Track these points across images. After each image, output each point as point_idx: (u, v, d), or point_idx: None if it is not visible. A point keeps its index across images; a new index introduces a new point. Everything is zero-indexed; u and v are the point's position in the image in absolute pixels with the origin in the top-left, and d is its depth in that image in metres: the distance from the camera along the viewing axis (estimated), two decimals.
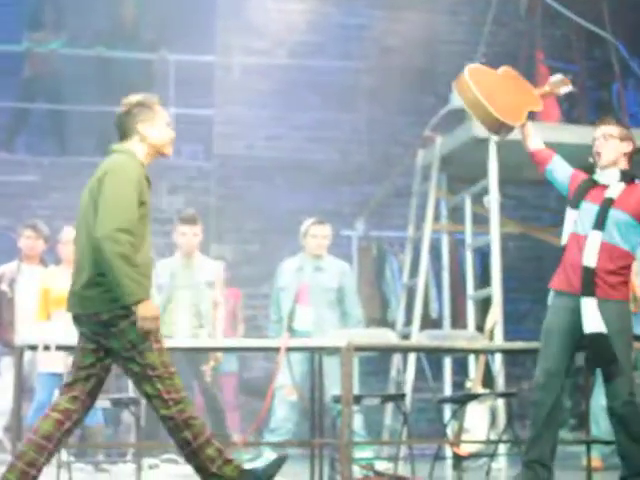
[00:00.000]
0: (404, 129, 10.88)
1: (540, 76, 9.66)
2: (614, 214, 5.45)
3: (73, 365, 4.68)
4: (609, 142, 5.56)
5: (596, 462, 7.23)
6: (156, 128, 4.74)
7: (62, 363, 6.46)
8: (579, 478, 6.55)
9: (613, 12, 10.01)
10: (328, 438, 6.39)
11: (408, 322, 9.11)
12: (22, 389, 6.03)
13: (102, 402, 6.53)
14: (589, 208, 5.51)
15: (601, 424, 7.30)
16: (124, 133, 4.75)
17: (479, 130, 8.57)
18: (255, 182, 10.71)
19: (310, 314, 7.77)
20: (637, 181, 5.59)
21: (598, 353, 5.40)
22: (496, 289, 8.20)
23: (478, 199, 8.84)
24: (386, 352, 8.42)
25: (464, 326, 9.07)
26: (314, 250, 7.84)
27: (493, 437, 7.44)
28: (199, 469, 4.60)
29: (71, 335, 4.92)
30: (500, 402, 7.78)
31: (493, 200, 8.34)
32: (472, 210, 9.21)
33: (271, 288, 8.28)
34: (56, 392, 5.56)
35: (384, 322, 9.93)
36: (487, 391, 7.74)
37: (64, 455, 6.36)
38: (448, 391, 8.98)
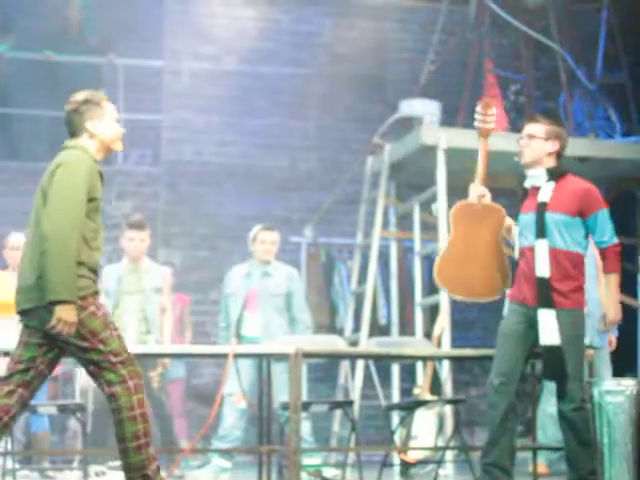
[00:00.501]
0: (354, 136, 10.89)
1: (489, 85, 9.76)
2: (551, 217, 5.42)
3: (11, 359, 4.57)
4: (532, 142, 5.52)
5: (542, 468, 7.29)
6: (105, 125, 4.70)
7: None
8: None
9: (560, 22, 10.12)
10: (276, 445, 6.37)
11: (356, 329, 9.13)
12: None
13: (48, 408, 6.49)
14: (526, 218, 5.52)
15: (548, 431, 7.37)
16: (73, 131, 4.72)
17: (427, 138, 8.66)
18: (204, 188, 10.65)
19: (258, 320, 7.76)
20: (568, 175, 5.53)
21: (551, 366, 5.42)
22: (444, 296, 8.23)
23: (427, 206, 8.88)
24: (334, 359, 8.42)
25: (412, 333, 9.09)
26: (262, 256, 7.83)
27: (441, 444, 7.47)
28: (134, 468, 4.49)
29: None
30: (448, 409, 7.82)
31: (441, 207, 8.38)
32: (421, 217, 9.24)
33: (220, 294, 8.24)
34: None
35: (332, 329, 9.94)
36: (435, 398, 7.77)
37: (9, 462, 6.29)
38: (396, 398, 8.99)
